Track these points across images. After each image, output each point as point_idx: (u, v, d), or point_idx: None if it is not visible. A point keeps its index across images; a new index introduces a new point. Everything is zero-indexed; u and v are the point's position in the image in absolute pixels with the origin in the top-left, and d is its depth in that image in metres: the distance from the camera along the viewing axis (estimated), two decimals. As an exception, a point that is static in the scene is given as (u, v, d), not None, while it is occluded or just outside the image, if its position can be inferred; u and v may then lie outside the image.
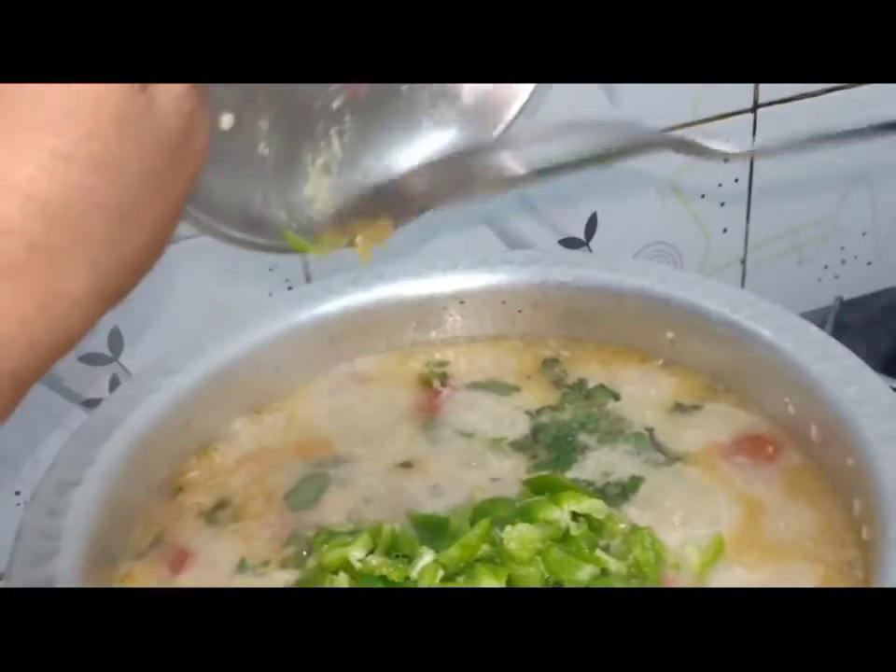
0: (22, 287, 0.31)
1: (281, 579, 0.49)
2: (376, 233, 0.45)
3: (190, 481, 0.56)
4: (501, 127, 0.48)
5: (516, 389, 0.60)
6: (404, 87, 0.47)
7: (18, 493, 0.73)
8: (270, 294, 0.73)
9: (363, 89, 0.45)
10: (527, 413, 0.58)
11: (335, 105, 0.44)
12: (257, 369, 0.60)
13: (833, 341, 0.52)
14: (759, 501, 0.50)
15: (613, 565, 0.47)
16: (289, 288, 0.73)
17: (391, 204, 0.45)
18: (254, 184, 0.43)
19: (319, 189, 0.44)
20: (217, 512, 0.54)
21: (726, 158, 0.47)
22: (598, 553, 0.47)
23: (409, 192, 0.45)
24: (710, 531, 0.49)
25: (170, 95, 0.33)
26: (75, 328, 0.33)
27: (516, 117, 0.49)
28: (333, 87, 0.45)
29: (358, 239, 0.45)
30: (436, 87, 0.47)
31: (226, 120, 0.40)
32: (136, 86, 0.31)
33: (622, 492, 0.51)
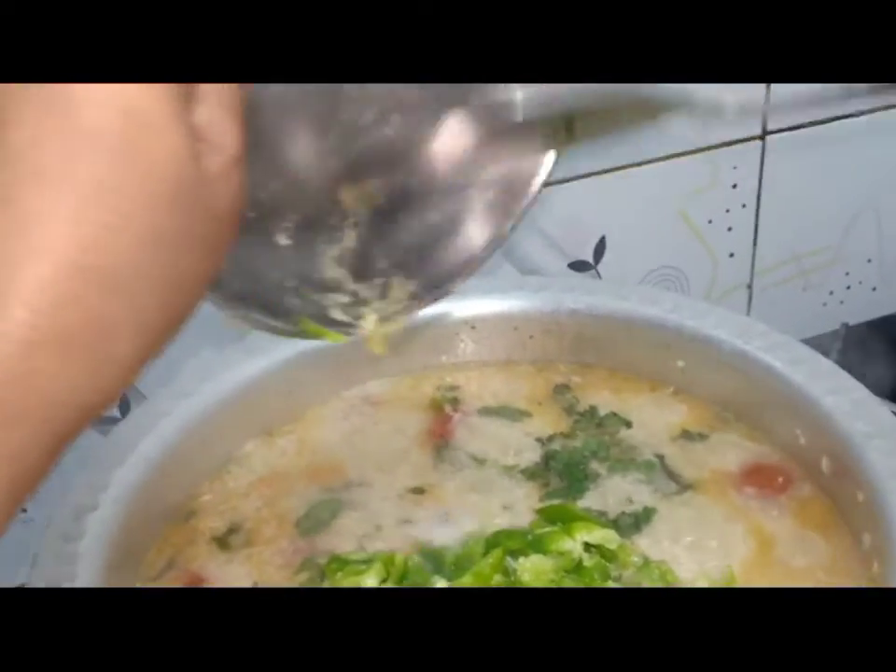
0: (75, 354, 0.31)
1: (294, 605, 0.50)
2: (387, 325, 0.45)
3: (203, 505, 0.57)
4: (513, 222, 0.48)
5: (527, 415, 0.60)
6: (416, 182, 0.47)
7: (24, 510, 0.73)
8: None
9: (372, 186, 0.46)
10: (538, 439, 0.59)
11: (348, 199, 0.45)
12: (269, 392, 0.61)
13: (844, 373, 0.53)
14: (770, 533, 0.51)
15: (624, 594, 0.47)
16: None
17: (404, 292, 0.45)
18: (269, 271, 0.44)
19: (333, 279, 0.45)
20: (230, 537, 0.55)
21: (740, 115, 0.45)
22: (610, 584, 0.47)
23: (422, 282, 0.45)
24: (722, 563, 0.49)
25: (222, 164, 0.33)
26: (118, 387, 0.33)
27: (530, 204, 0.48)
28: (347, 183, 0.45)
29: (370, 329, 0.45)
30: (449, 184, 0.47)
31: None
32: (191, 154, 0.32)
33: (634, 522, 0.52)
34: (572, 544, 0.48)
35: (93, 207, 0.31)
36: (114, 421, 0.73)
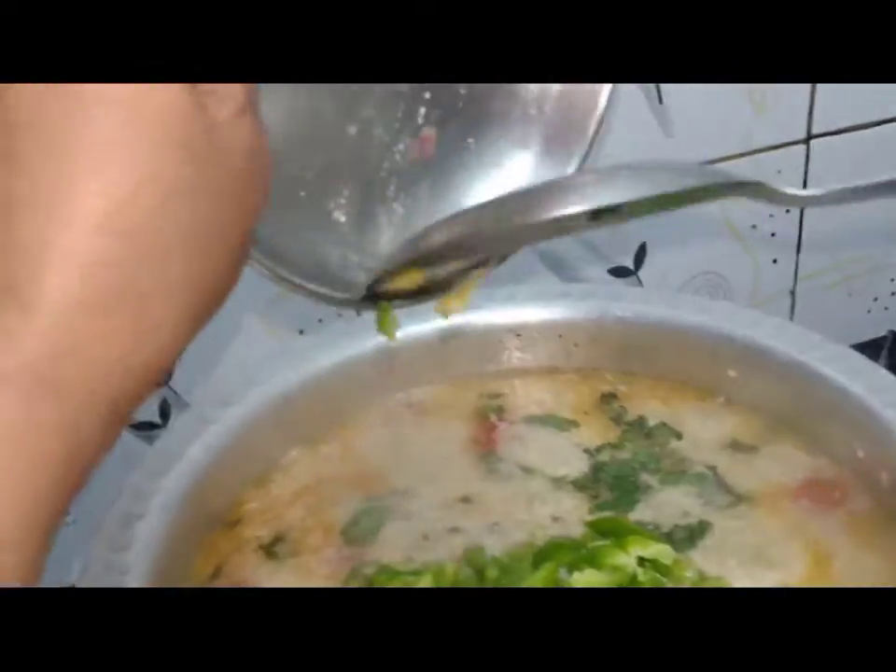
0: (116, 317, 0.31)
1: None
2: (460, 291, 0.45)
3: (248, 512, 0.56)
4: (576, 161, 0.48)
5: (575, 424, 0.60)
6: (471, 140, 0.46)
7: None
8: (320, 321, 0.73)
9: (431, 146, 0.45)
10: (586, 450, 0.58)
11: (404, 163, 0.44)
12: (312, 398, 0.60)
13: (903, 385, 0.52)
14: (826, 548, 0.50)
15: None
16: (339, 315, 0.73)
17: (469, 255, 0.45)
18: (330, 244, 0.43)
19: (395, 247, 0.44)
20: (276, 546, 0.54)
21: (802, 204, 0.46)
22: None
23: (483, 244, 0.45)
24: (778, 579, 0.48)
25: (230, 113, 0.33)
26: (166, 356, 0.33)
27: (588, 150, 0.49)
28: (401, 146, 0.45)
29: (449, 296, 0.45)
30: (504, 141, 0.47)
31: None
32: (194, 103, 0.32)
33: (689, 536, 0.51)
34: (626, 559, 0.47)
35: (108, 166, 0.30)
36: (154, 427, 0.73)
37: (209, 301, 0.34)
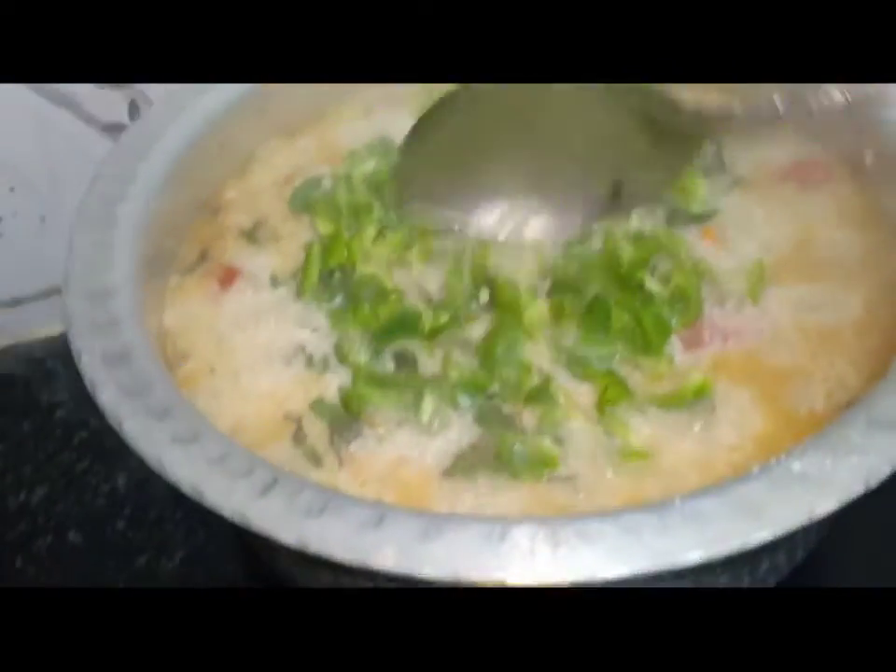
0: None
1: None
2: None
3: (229, 201, 0.56)
4: None
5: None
6: None
7: (43, 219, 0.73)
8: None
9: None
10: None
11: None
12: (288, 90, 0.58)
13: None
14: (810, 224, 0.51)
15: (656, 287, 0.48)
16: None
17: None
18: None
19: None
20: (257, 231, 0.54)
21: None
22: (648, 278, 0.48)
23: None
24: (763, 255, 0.49)
25: None
26: None
27: None
28: None
29: None
30: None
31: None
32: None
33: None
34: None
35: None
36: (123, 128, 0.71)
37: None
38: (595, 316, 0.47)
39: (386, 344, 0.47)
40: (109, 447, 0.60)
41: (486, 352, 0.46)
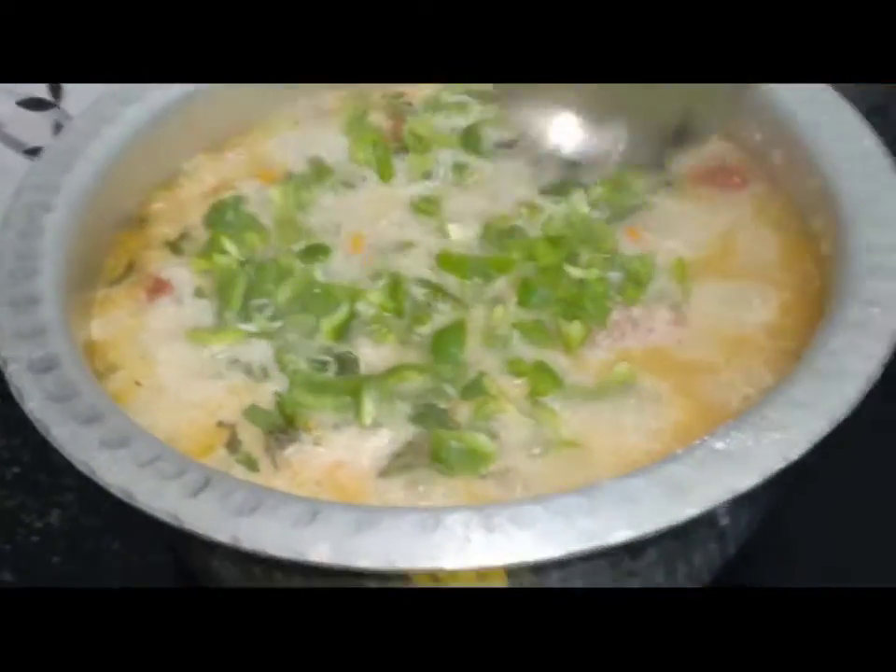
0: None
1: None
2: None
3: (155, 212, 0.56)
4: None
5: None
6: None
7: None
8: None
9: None
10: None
11: None
12: (216, 103, 0.58)
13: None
14: (731, 225, 0.52)
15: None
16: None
17: None
18: None
19: None
20: (182, 242, 0.54)
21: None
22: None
23: None
24: (685, 254, 0.51)
25: None
26: None
27: None
28: None
29: None
30: None
31: None
32: None
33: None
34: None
35: None
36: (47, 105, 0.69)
37: None
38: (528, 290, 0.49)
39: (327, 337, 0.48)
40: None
41: (435, 348, 0.47)
